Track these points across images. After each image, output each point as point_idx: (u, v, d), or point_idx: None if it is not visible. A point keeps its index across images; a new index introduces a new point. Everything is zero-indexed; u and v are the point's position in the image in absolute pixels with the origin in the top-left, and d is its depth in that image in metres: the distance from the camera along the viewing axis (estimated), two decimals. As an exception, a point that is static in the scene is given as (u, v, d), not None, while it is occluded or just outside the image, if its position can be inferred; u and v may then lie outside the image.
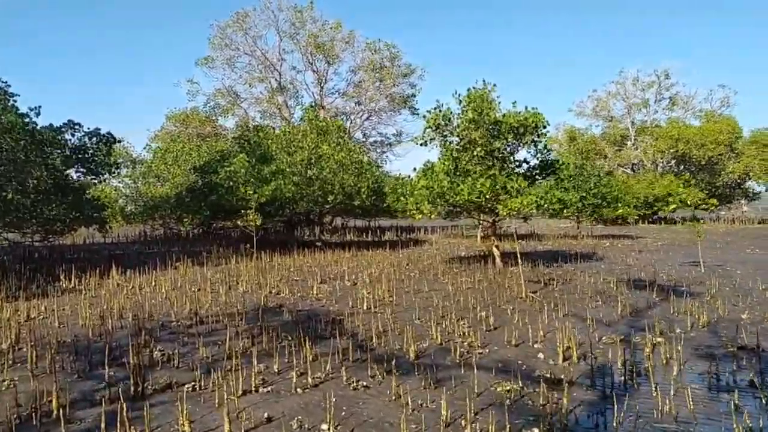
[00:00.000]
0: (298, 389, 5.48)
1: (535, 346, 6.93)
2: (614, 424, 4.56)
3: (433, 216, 15.27)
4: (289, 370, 6.10)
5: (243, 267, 15.30)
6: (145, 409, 4.84)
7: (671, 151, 44.14)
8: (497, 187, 12.89)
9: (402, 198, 15.78)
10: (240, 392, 5.36)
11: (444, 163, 14.63)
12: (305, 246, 21.94)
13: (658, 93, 50.04)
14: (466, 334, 7.63)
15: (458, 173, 14.70)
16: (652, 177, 40.81)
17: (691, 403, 4.93)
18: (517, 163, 15.11)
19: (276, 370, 6.08)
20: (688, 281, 12.21)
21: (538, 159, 14.92)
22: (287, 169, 19.95)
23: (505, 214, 14.05)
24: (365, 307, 9.63)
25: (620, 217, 36.73)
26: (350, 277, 13.70)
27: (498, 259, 15.55)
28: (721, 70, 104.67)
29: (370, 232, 30.90)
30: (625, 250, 20.65)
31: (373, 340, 7.28)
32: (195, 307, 9.36)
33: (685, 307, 9.09)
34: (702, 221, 13.71)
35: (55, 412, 4.99)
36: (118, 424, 4.49)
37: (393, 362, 6.09)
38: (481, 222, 16.83)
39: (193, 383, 5.63)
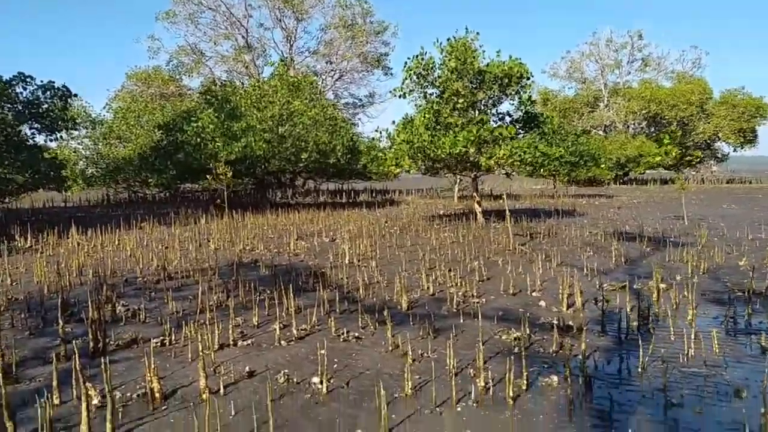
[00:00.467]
0: (282, 342, 4.90)
1: (533, 294, 6.47)
2: (639, 370, 4.12)
3: (412, 171, 14.65)
4: (270, 323, 5.51)
5: (214, 226, 14.52)
6: (104, 365, 4.20)
7: (643, 112, 44.18)
8: (482, 136, 12.30)
9: (380, 155, 15.11)
10: (216, 346, 4.75)
11: (424, 116, 13.95)
12: (278, 207, 21.17)
13: (631, 54, 49.77)
14: (459, 284, 7.13)
15: (438, 127, 14.07)
16: (624, 138, 40.87)
17: (716, 346, 4.52)
18: (500, 116, 14.57)
19: (255, 323, 5.48)
20: (676, 233, 11.96)
21: (522, 111, 14.36)
22: (257, 126, 18.99)
23: (487, 166, 13.54)
24: (347, 261, 9.06)
25: (593, 178, 36.88)
26: (328, 233, 13.07)
27: (479, 216, 15.11)
28: (693, 32, 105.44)
29: (344, 194, 30.19)
30: (603, 207, 20.47)
31: (360, 292, 6.72)
32: (163, 263, 8.63)
33: (680, 256, 8.78)
34: (679, 179, 13.41)
35: (-1, 372, 4.31)
36: (74, 382, 3.85)
37: (385, 313, 5.54)
38: (461, 178, 16.31)
39: (161, 338, 5.00)
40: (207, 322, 5.50)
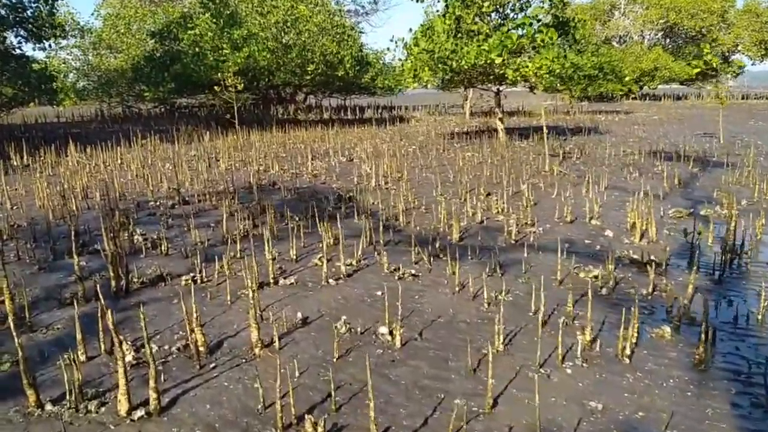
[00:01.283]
0: (330, 280, 4.30)
1: (593, 222, 5.84)
2: (758, 317, 3.55)
3: (429, 85, 13.64)
4: (309, 257, 4.91)
5: (220, 144, 13.67)
6: (133, 309, 3.62)
7: (661, 21, 41.92)
8: (519, 43, 11.19)
9: (397, 66, 13.98)
10: (255, 285, 4.15)
11: (446, 22, 12.74)
12: (282, 124, 20.17)
13: (651, -43, 46.59)
14: (507, 210, 6.48)
15: (460, 35, 12.91)
16: (640, 50, 39.04)
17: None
18: (528, 22, 13.35)
19: (293, 257, 4.86)
20: (717, 152, 11.21)
21: (551, 15, 13.13)
22: (260, 34, 17.61)
23: (513, 79, 12.54)
24: (374, 184, 8.36)
25: (605, 93, 35.50)
26: (343, 153, 12.29)
27: (501, 133, 14.27)
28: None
29: (348, 110, 28.98)
30: (624, 123, 19.55)
31: (400, 219, 6.08)
32: (175, 186, 7.93)
33: (734, 178, 8.09)
34: (717, 90, 12.47)
35: (10, 316, 3.72)
36: (101, 332, 3.26)
37: (437, 244, 4.92)
38: (472, 93, 15.29)
39: (191, 274, 4.39)
40: (237, 255, 4.89)
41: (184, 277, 4.29)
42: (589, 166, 9.80)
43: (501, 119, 14.31)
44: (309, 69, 18.06)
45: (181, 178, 9.13)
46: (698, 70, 15.09)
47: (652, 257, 4.52)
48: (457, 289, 4.04)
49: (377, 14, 37.77)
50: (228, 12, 18.34)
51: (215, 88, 14.33)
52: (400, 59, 13.73)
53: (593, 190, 7.49)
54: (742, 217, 5.83)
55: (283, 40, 17.81)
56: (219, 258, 4.74)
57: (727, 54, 43.20)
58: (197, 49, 17.68)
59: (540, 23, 13.19)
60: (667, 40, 45.04)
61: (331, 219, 6.23)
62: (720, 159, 10.26)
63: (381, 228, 5.54)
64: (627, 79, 25.58)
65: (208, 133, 16.04)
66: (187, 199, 7.45)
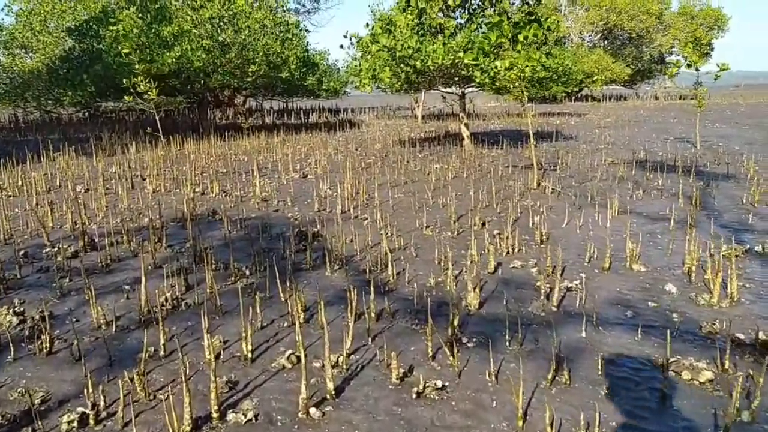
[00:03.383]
0: (312, 409, 2.71)
1: (636, 268, 4.52)
2: None
3: (395, 88, 12.19)
4: (272, 349, 3.32)
5: (148, 157, 11.71)
6: None
7: (601, 23, 42.27)
8: (495, 43, 9.88)
9: (353, 66, 12.43)
10: (188, 425, 2.52)
11: (408, 17, 11.33)
12: (221, 131, 18.23)
13: (589, -40, 47.01)
14: (520, 251, 5.09)
15: (423, 31, 11.54)
16: (582, 52, 39.14)
17: None
18: (504, 19, 12.14)
19: (247, 352, 3.24)
20: (706, 161, 10.31)
21: (523, 11, 11.95)
22: (193, 31, 15.63)
23: (482, 81, 11.27)
24: (339, 211, 6.80)
25: (549, 95, 35.31)
26: (294, 166, 10.64)
27: (468, 141, 13.00)
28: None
29: (292, 114, 27.17)
30: (583, 127, 18.78)
31: (388, 270, 4.55)
32: (82, 220, 6.10)
33: (752, 195, 7.05)
34: (698, 95, 11.69)
35: None
36: None
37: (452, 318, 3.43)
38: (444, 95, 13.99)
39: (80, 404, 2.72)
40: (162, 350, 3.24)
41: (66, 416, 2.61)
42: (579, 181, 8.61)
43: (467, 125, 13.04)
44: (250, 70, 16.22)
45: (94, 206, 7.27)
46: (601, 83, 14.32)
47: (759, 335, 3.21)
48: (519, 420, 2.56)
49: (319, 13, 35.85)
50: (156, 6, 16.24)
51: (125, 96, 12.29)
52: (355, 58, 12.20)
53: (604, 216, 6.23)
54: (814, 255, 4.69)
55: (220, 38, 15.89)
56: (131, 361, 3.09)
57: (663, 55, 44.14)
58: (120, 49, 15.49)
59: (509, 21, 12.02)
60: (605, 42, 45.57)
61: (295, 271, 4.64)
62: (714, 169, 9.32)
63: (359, 286, 4.02)
64: (597, 79, 25.14)
65: (134, 142, 13.97)
66: (96, 241, 5.65)
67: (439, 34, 11.70)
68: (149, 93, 13.46)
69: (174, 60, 15.03)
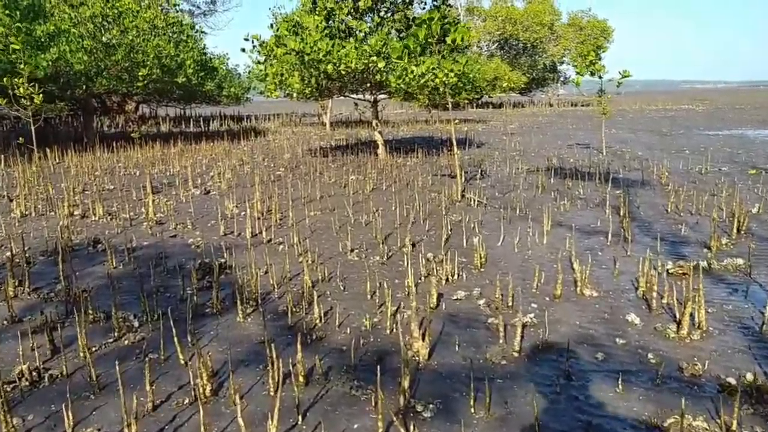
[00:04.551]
0: None
1: (588, 293, 4.10)
2: None
3: (305, 95, 11.39)
4: (166, 442, 2.48)
5: (19, 174, 10.10)
6: None
7: (497, 33, 43.82)
8: (421, 42, 9.36)
9: (257, 70, 11.46)
10: None
11: (316, 18, 10.61)
12: (108, 141, 16.50)
13: (483, -28, 48.68)
14: (459, 275, 4.53)
15: (332, 34, 10.88)
16: (481, 61, 40.30)
17: None
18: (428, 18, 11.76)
19: (132, 449, 2.39)
20: (618, 167, 10.44)
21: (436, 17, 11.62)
22: (72, 31, 13.93)
23: (396, 87, 10.81)
24: (249, 234, 5.95)
25: (454, 101, 36.01)
26: (195, 181, 9.57)
27: (382, 149, 12.48)
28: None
29: (191, 121, 25.48)
30: (491, 134, 18.96)
31: (313, 312, 3.82)
32: None
33: (674, 202, 7.03)
34: (601, 103, 11.94)
35: None
36: None
37: (400, 380, 2.76)
38: (355, 101, 13.38)
39: None
40: (7, 461, 2.31)
41: None
42: (501, 191, 8.31)
43: (381, 132, 12.52)
44: (140, 74, 14.73)
45: (-62, 239, 5.90)
46: (501, 90, 14.65)
47: (727, 378, 2.83)
48: None
49: (216, 15, 33.91)
50: (27, 2, 14.32)
51: (-1, 101, 10.58)
52: (259, 62, 11.28)
53: (536, 230, 5.87)
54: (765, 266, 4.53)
55: (104, 39, 14.29)
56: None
57: (555, 64, 46.51)
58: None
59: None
60: (502, 51, 47.33)
61: (198, 317, 3.78)
62: (627, 176, 9.41)
63: (293, 336, 3.27)
64: (505, 85, 25.64)
65: (3, 156, 12.13)
66: (-65, 288, 4.44)
67: (350, 37, 11.11)
68: (29, 98, 11.66)
69: (50, 63, 13.29)
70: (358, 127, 23.01)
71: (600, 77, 11.93)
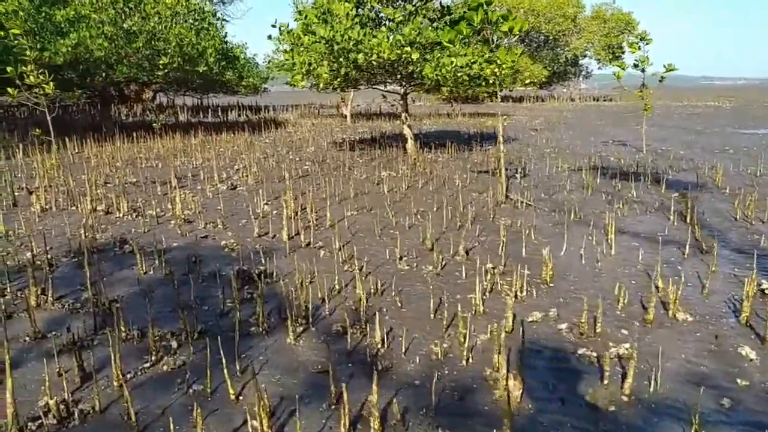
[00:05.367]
0: None
1: (683, 318, 3.61)
2: None
3: (333, 85, 10.90)
4: None
5: (37, 164, 9.76)
6: None
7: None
8: (476, 27, 8.81)
9: (285, 58, 10.99)
10: None
11: (347, 5, 10.10)
12: (128, 130, 16.16)
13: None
14: (529, 292, 4.05)
15: (362, 22, 10.40)
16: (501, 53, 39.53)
17: None
18: (438, 12, 11.28)
19: None
20: (666, 168, 9.87)
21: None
22: (93, 16, 13.55)
23: (433, 79, 10.30)
24: (285, 235, 5.50)
25: (471, 95, 35.53)
26: (220, 174, 9.16)
27: (411, 144, 11.97)
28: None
29: (209, 111, 25.11)
30: (517, 129, 18.38)
31: (376, 334, 3.36)
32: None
33: (748, 209, 6.48)
34: (643, 99, 11.31)
35: None
36: None
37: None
38: (384, 94, 12.88)
39: None
40: None
41: None
42: (546, 192, 7.79)
43: (410, 126, 12.02)
44: (161, 62, 14.33)
45: (-46, 236, 5.52)
46: (522, 84, 14.04)
47: None
48: None
49: (234, 4, 33.41)
50: (46, -15, 13.95)
51: (9, 89, 10.20)
52: (285, 51, 10.81)
53: (599, 239, 5.37)
54: None
55: (125, 25, 13.90)
56: None
57: (576, 58, 45.56)
58: (2, 34, 13.12)
59: (450, 17, 11.11)
60: (523, 44, 46.44)
61: (244, 337, 3.34)
62: (678, 177, 8.84)
63: (353, 364, 2.83)
64: (527, 79, 25.06)
65: (23, 145, 11.81)
66: (-50, 293, 4.04)
67: (381, 26, 10.62)
68: (42, 86, 11.31)
69: (69, 49, 12.93)
70: (379, 120, 22.51)
71: (643, 70, 11.29)
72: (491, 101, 42.66)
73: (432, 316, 3.64)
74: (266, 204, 6.94)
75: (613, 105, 35.02)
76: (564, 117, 24.01)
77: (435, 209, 6.71)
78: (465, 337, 3.18)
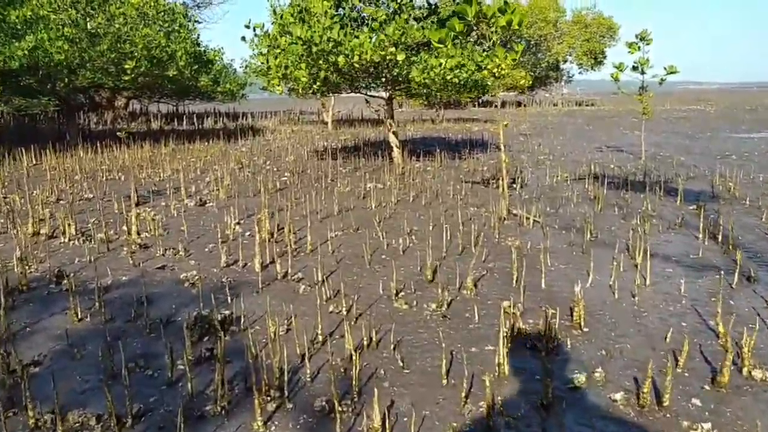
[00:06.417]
0: None
1: (761, 376, 2.83)
2: None
3: (312, 90, 10.04)
4: None
5: (-18, 178, 8.76)
6: None
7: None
8: (472, 19, 8.02)
9: (259, 62, 10.10)
10: None
11: (325, 3, 9.29)
12: (94, 140, 15.11)
13: (487, -33, 47.47)
14: (560, 343, 3.25)
15: (342, 21, 9.60)
16: (500, 52, 39.12)
17: None
18: (425, 10, 10.50)
19: None
20: (670, 176, 9.20)
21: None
22: (52, 16, 12.54)
23: (420, 82, 9.54)
24: (258, 264, 4.63)
25: (453, 100, 35.12)
26: (188, 189, 8.25)
27: (397, 152, 11.18)
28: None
29: (184, 119, 24.06)
30: (507, 134, 17.69)
31: (371, 415, 2.52)
32: None
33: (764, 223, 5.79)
34: (644, 102, 10.64)
35: None
36: None
37: None
38: (367, 99, 12.06)
39: None
40: None
41: None
42: (550, 205, 7.04)
43: (395, 133, 11.22)
44: (128, 66, 13.35)
45: None
46: (504, 89, 13.41)
47: None
48: None
49: (210, 8, 32.19)
50: (0, -16, 12.91)
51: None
52: (261, 54, 9.94)
53: (629, 263, 4.61)
54: None
55: (88, 27, 12.90)
56: None
57: (558, 63, 45.32)
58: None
59: (438, 17, 10.35)
60: (505, 49, 46.05)
61: (197, 420, 2.47)
62: (690, 186, 8.16)
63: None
64: (522, 82, 24.58)
65: (-29, 157, 10.76)
66: None
67: (363, 25, 9.82)
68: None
69: (26, 52, 11.91)
70: (361, 126, 21.71)
71: (643, 72, 10.65)
72: (474, 106, 42.24)
73: (444, 380, 2.81)
74: (238, 224, 6.07)
75: (596, 109, 34.71)
76: (550, 122, 23.44)
77: (431, 227, 5.91)
78: (490, 411, 2.36)
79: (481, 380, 2.78)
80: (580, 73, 46.45)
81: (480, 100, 44.86)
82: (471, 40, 10.36)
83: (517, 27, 5.96)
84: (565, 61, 45.02)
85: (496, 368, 2.89)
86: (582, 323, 3.42)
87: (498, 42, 7.20)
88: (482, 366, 2.96)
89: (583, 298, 3.68)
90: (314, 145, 14.51)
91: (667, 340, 3.19)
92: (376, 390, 2.49)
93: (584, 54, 41.77)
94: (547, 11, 40.57)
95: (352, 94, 11.73)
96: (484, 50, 11.13)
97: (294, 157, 12.07)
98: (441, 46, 6.45)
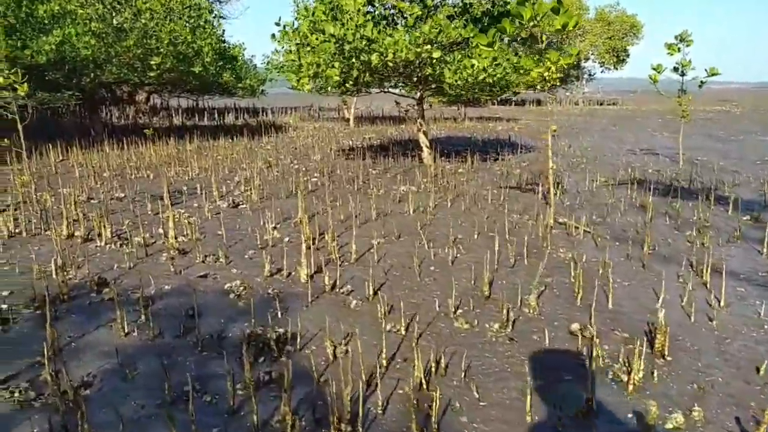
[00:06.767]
0: None
1: None
2: None
3: (344, 88, 9.84)
4: None
5: (10, 176, 8.66)
6: None
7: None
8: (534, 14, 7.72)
9: (289, 60, 9.91)
10: None
11: (358, 0, 9.05)
12: (118, 135, 15.04)
13: (509, -37, 46.87)
14: (647, 376, 3.01)
15: (375, 19, 9.39)
16: (553, 55, 38.63)
17: None
18: (458, 8, 10.23)
19: None
20: (715, 183, 8.86)
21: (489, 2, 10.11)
22: (79, 12, 12.46)
23: (452, 82, 9.29)
24: (304, 274, 4.44)
25: (473, 98, 34.73)
26: (219, 188, 8.08)
27: (426, 153, 10.97)
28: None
29: (205, 114, 23.99)
30: (530, 135, 17.38)
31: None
32: None
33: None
34: (682, 104, 10.28)
35: None
36: None
37: None
38: (397, 99, 11.83)
39: None
40: None
41: None
42: (596, 213, 6.76)
43: (425, 133, 10.99)
44: (153, 62, 13.24)
45: None
46: (525, 87, 13.02)
47: None
48: None
49: (231, 3, 32.05)
50: (28, -22, 12.84)
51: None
52: (289, 51, 9.74)
53: (694, 281, 4.34)
54: None
55: (114, 22, 12.81)
56: None
57: (579, 61, 44.67)
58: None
59: (470, 15, 10.08)
60: (525, 46, 45.56)
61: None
62: (739, 193, 7.82)
63: None
64: (534, 80, 24.11)
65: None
66: None
67: (395, 24, 9.60)
68: (14, 87, 10.17)
69: (53, 47, 11.83)
70: (383, 124, 21.48)
71: (683, 74, 10.30)
72: (493, 104, 41.75)
73: (528, 417, 2.59)
74: (275, 228, 5.88)
75: (618, 109, 34.14)
76: (574, 122, 23.02)
77: (476, 236, 5.68)
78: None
79: (568, 417, 2.56)
80: (602, 71, 45.85)
81: (499, 99, 44.39)
82: (518, 40, 10.11)
83: (571, 29, 5.70)
84: (587, 59, 44.39)
85: (584, 403, 2.66)
86: (666, 352, 3.18)
87: (549, 44, 6.92)
88: (564, 400, 2.73)
89: (651, 318, 3.44)
90: (339, 144, 14.31)
91: (761, 372, 2.94)
92: (456, 427, 2.27)
93: (606, 52, 41.12)
94: (570, 8, 39.94)
95: (392, 93, 11.50)
96: (542, 51, 10.84)
97: (321, 155, 11.88)
98: (489, 49, 6.22)
